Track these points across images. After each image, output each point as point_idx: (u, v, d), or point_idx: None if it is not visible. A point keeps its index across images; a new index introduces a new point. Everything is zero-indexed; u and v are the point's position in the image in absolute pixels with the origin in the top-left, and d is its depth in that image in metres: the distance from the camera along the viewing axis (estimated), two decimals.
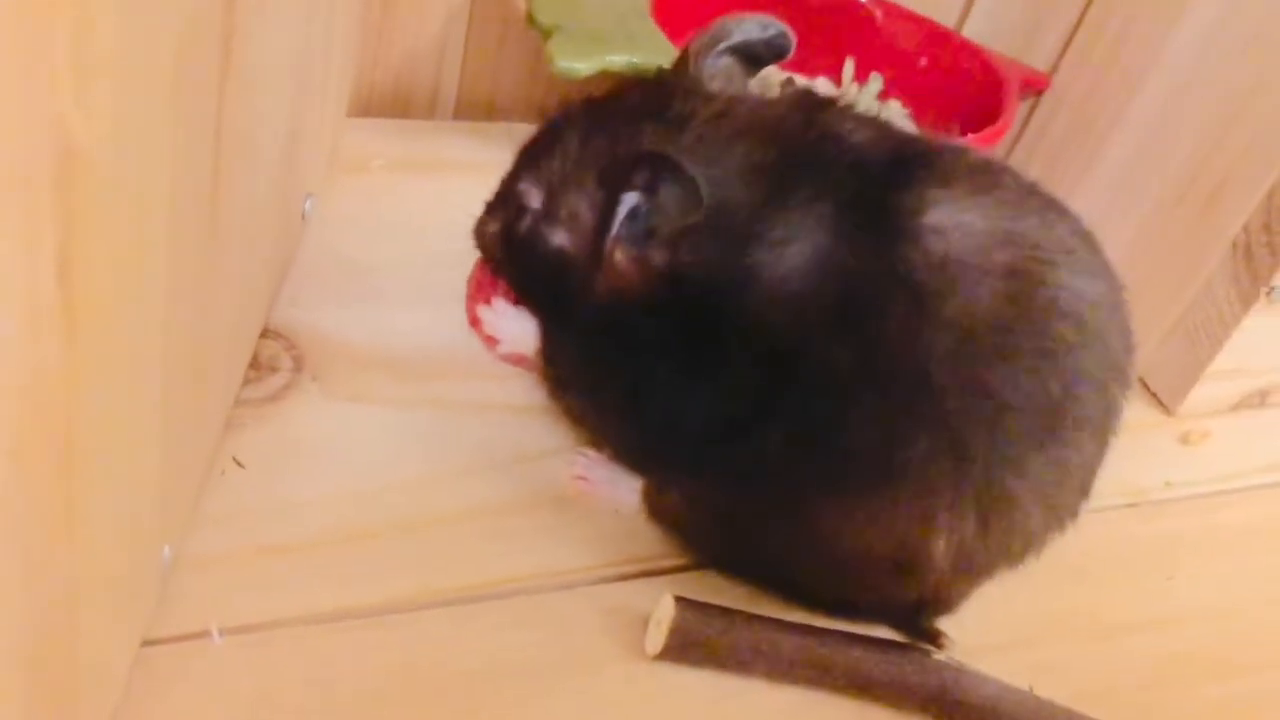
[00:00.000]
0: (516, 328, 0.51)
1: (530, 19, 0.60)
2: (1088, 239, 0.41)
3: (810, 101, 0.42)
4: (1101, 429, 0.42)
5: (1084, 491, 0.43)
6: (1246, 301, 0.60)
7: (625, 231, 0.40)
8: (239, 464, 0.45)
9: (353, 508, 0.46)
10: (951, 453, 0.39)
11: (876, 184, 0.39)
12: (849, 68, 0.74)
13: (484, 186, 0.48)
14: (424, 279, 0.57)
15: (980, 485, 0.39)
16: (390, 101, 0.70)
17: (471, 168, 0.48)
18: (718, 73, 0.44)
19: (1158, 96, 0.65)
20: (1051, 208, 0.41)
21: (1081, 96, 0.70)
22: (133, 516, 0.35)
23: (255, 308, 0.49)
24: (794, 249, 0.39)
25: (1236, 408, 0.67)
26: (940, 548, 0.41)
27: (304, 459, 0.47)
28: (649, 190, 0.39)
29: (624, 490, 0.48)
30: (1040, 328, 0.39)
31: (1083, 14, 0.70)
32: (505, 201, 0.46)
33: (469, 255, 0.52)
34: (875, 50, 0.74)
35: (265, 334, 0.51)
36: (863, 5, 0.73)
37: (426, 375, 0.53)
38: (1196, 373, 0.63)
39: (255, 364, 0.49)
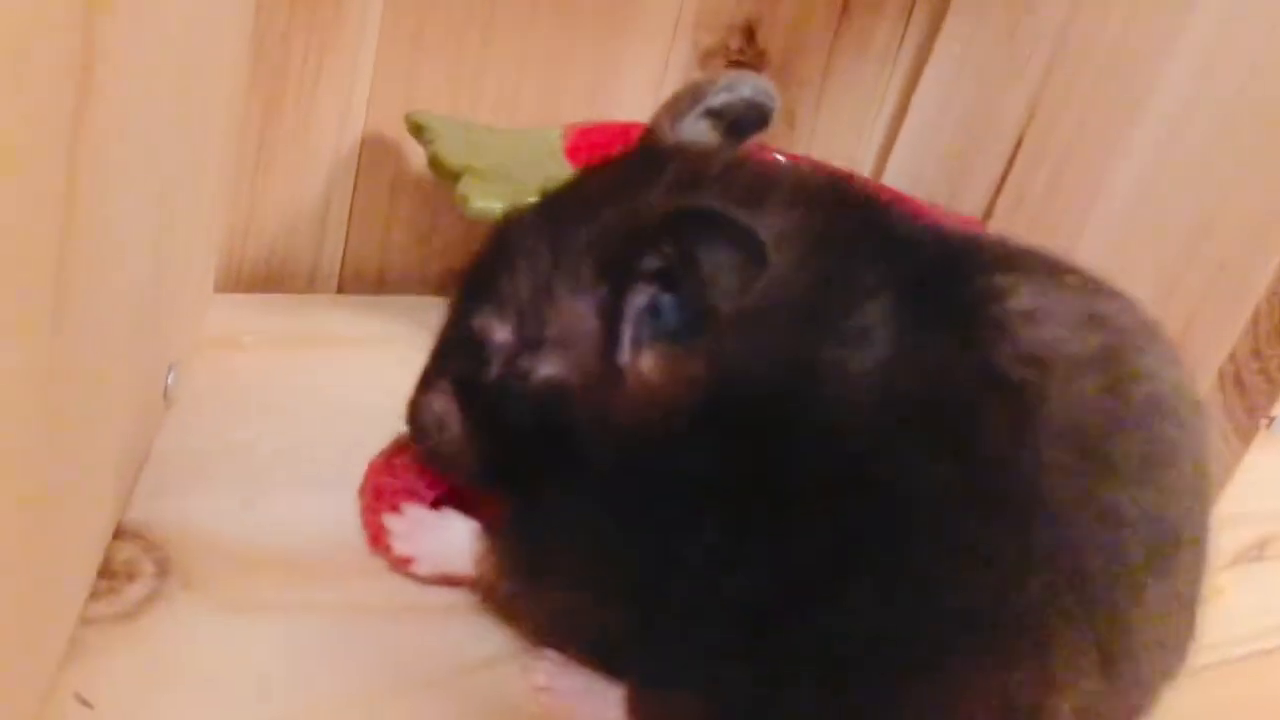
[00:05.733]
0: (439, 539, 0.41)
1: (434, 163, 0.53)
2: (1156, 324, 0.35)
3: (829, 170, 0.35)
4: (1204, 549, 0.34)
5: (1192, 629, 0.35)
6: (1245, 437, 0.55)
7: (649, 329, 0.32)
8: (84, 703, 0.33)
9: None
10: (1072, 589, 0.30)
11: (937, 269, 0.32)
12: None
13: (372, 362, 0.39)
14: (309, 463, 0.47)
15: (1103, 627, 0.31)
16: (265, 275, 0.62)
17: (355, 342, 0.41)
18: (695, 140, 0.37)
19: (1106, 232, 0.61)
20: (1116, 291, 0.35)
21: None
22: None
23: (106, 503, 0.38)
24: (873, 342, 0.31)
25: (1234, 562, 0.61)
26: (1064, 711, 0.32)
27: (173, 689, 0.35)
28: (685, 259, 0.30)
29: (602, 701, 0.37)
30: (1144, 426, 0.32)
31: (1011, 160, 0.67)
32: (451, 358, 0.37)
33: (359, 439, 0.44)
34: None
35: (119, 535, 0.40)
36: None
37: (324, 574, 0.41)
38: None
39: (107, 572, 0.38)
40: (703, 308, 0.31)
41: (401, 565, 0.42)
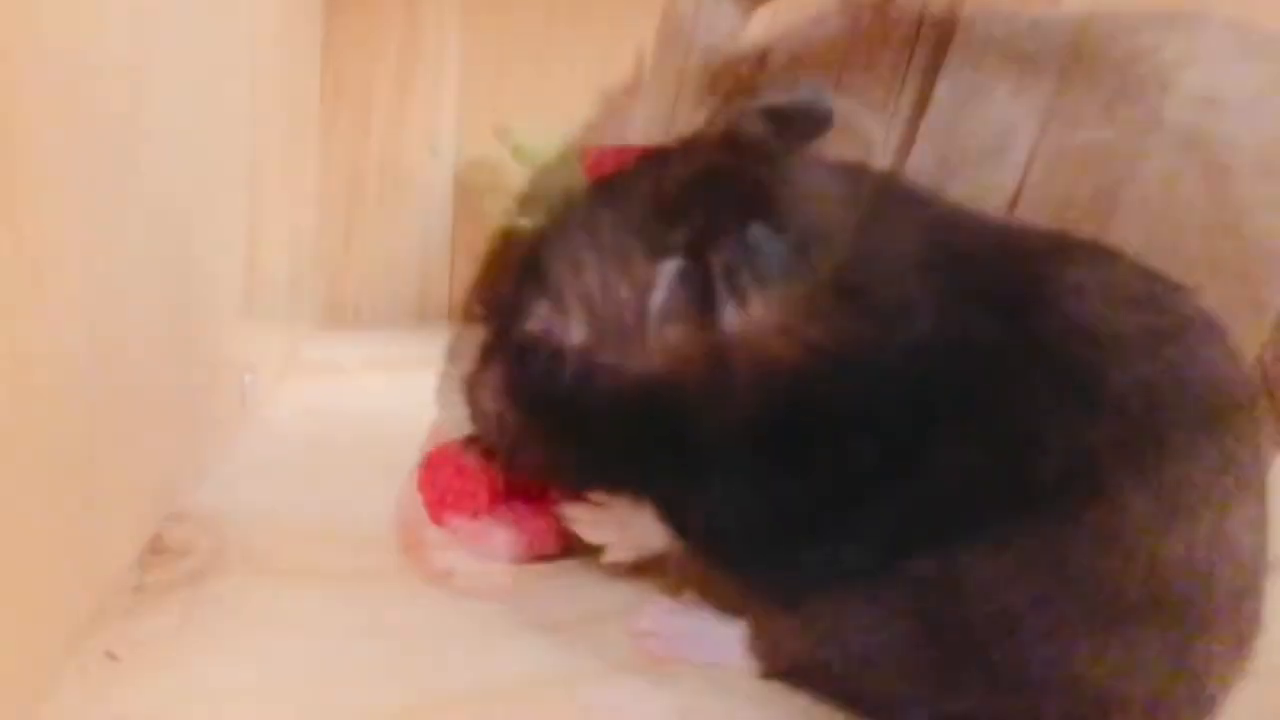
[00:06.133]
0: (478, 551, 0.41)
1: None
2: (1204, 305, 0.35)
3: (866, 166, 0.36)
4: (1265, 533, 0.33)
5: (1258, 617, 0.33)
6: (1275, 442, 0.54)
7: (677, 300, 0.32)
8: (112, 657, 0.34)
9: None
10: (1138, 573, 0.30)
11: (985, 250, 0.33)
12: None
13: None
14: (359, 475, 0.49)
15: (1171, 612, 0.31)
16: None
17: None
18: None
19: (1123, 243, 0.61)
20: (1161, 274, 0.35)
21: None
22: None
23: (150, 491, 0.41)
24: (915, 318, 0.31)
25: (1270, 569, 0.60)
26: (1135, 692, 0.31)
27: (219, 662, 0.35)
28: (707, 231, 0.31)
29: (717, 641, 0.37)
30: (1199, 404, 0.31)
31: (1025, 172, 0.68)
32: (500, 329, 0.37)
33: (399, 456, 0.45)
34: None
35: (176, 517, 0.43)
36: None
37: (364, 586, 0.41)
38: None
39: (158, 548, 0.40)
40: (724, 280, 0.31)
41: (440, 578, 0.41)
